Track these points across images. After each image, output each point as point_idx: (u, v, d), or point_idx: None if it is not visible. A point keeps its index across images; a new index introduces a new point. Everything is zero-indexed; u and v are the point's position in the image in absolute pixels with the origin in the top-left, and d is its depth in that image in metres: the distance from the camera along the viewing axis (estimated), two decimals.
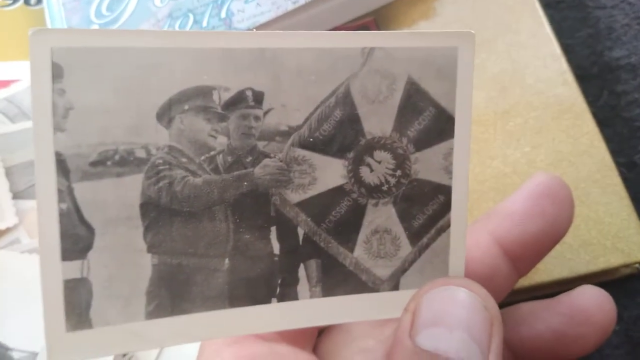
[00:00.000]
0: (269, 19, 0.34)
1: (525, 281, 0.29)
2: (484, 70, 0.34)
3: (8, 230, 0.34)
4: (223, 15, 0.35)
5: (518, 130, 0.33)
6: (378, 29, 0.37)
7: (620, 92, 0.35)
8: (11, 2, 0.42)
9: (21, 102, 0.38)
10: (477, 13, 0.36)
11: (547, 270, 0.29)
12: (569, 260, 0.29)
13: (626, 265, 0.30)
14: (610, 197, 0.31)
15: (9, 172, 0.35)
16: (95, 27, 0.37)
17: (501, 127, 0.33)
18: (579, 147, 0.32)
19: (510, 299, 0.28)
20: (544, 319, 0.22)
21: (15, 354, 0.31)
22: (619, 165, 0.32)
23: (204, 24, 0.35)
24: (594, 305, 0.22)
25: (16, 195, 0.35)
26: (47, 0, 0.38)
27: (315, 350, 0.23)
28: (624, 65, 0.36)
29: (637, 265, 0.30)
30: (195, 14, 0.35)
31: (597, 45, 0.37)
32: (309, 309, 0.19)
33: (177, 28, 0.35)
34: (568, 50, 0.35)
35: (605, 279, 0.31)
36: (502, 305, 0.25)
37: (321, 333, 0.23)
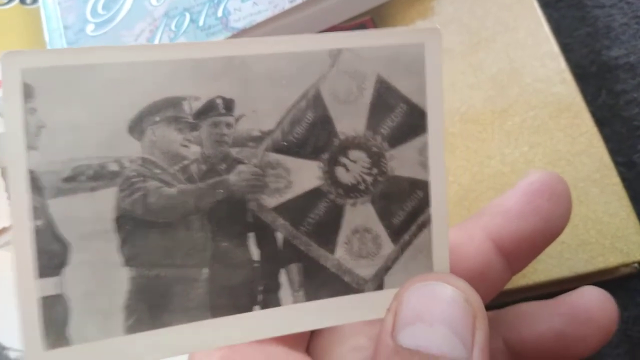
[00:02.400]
0: (265, 17, 0.34)
1: (523, 280, 0.29)
2: (481, 70, 0.34)
3: (3, 230, 0.34)
4: (220, 14, 0.35)
5: (516, 129, 0.32)
6: (375, 28, 0.37)
7: (619, 91, 0.35)
8: (7, 1, 0.42)
9: None
10: (475, 12, 0.35)
11: (545, 269, 0.29)
12: (568, 259, 0.29)
13: (625, 265, 0.29)
14: (609, 196, 0.30)
15: (3, 172, 0.35)
16: (91, 25, 0.36)
17: (499, 126, 0.32)
18: (578, 146, 0.32)
19: (508, 298, 0.28)
20: (545, 319, 0.22)
21: (11, 354, 0.31)
22: (617, 164, 0.31)
23: (201, 22, 0.35)
24: (595, 305, 0.21)
25: None
26: None
27: (308, 349, 0.23)
28: (623, 64, 0.36)
29: (636, 264, 0.30)
30: (191, 13, 0.35)
31: (595, 44, 0.36)
32: (293, 314, 0.19)
33: (173, 27, 0.35)
34: (566, 49, 0.35)
35: (604, 279, 0.30)
36: (500, 305, 0.24)
37: (314, 332, 0.23)
